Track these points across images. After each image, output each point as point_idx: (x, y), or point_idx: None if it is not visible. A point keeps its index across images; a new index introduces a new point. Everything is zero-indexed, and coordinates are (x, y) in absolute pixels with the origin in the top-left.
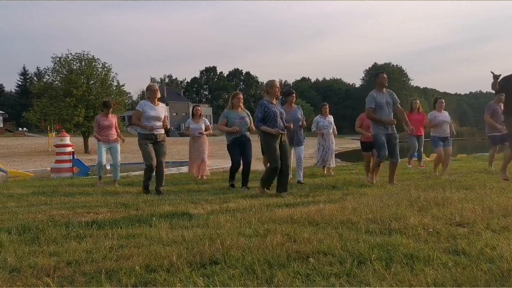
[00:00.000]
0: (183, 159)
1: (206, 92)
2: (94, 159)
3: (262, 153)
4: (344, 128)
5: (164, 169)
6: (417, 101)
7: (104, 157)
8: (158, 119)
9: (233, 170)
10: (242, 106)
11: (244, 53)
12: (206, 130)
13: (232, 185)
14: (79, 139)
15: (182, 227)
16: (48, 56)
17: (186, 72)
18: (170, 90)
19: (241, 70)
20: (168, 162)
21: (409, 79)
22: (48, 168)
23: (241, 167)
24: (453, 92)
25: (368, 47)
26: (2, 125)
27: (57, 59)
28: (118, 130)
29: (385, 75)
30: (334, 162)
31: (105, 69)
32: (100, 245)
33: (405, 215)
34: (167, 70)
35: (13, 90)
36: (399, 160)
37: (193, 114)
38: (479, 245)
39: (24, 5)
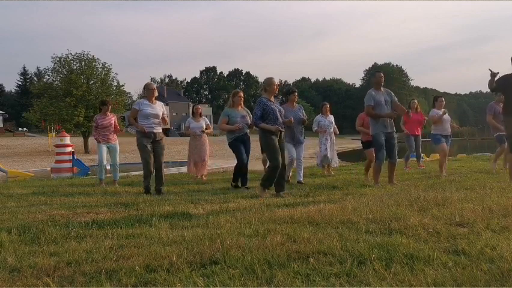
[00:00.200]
0: (183, 159)
1: (206, 92)
2: (94, 159)
3: (262, 153)
4: (344, 128)
5: (164, 169)
6: (415, 101)
7: (105, 157)
8: (156, 116)
9: (239, 170)
10: (242, 105)
11: (244, 53)
12: (206, 129)
13: (237, 186)
14: (79, 139)
15: (182, 227)
16: (48, 56)
17: (186, 72)
18: (170, 90)
19: (241, 70)
20: (168, 162)
21: (409, 79)
22: (48, 168)
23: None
24: (453, 92)
25: (368, 47)
26: (2, 125)
27: (57, 59)
28: (118, 129)
29: (381, 74)
30: (337, 161)
31: (105, 69)
32: (100, 245)
33: (405, 215)
34: (167, 70)
35: (13, 90)
36: (397, 160)
37: (193, 113)
38: (479, 245)
39: (24, 5)
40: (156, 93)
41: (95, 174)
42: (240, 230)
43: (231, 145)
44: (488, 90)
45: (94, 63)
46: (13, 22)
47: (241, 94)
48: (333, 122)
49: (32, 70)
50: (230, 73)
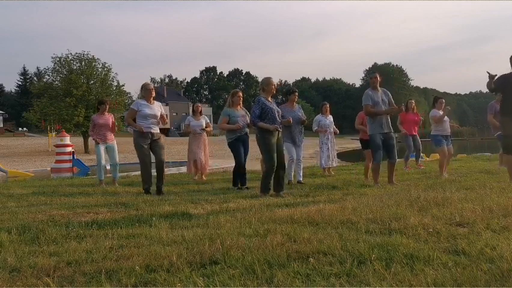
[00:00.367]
0: (183, 159)
1: (206, 92)
2: (94, 159)
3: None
4: (344, 128)
5: (165, 169)
6: (413, 101)
7: (104, 157)
8: (154, 117)
9: (237, 172)
10: (241, 104)
11: (244, 53)
12: (206, 127)
13: (239, 188)
14: (79, 139)
15: (182, 227)
16: (48, 56)
17: (186, 72)
18: (170, 90)
19: (241, 70)
20: (168, 162)
21: (409, 79)
22: (48, 168)
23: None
24: (453, 92)
25: (368, 47)
26: (2, 125)
27: (57, 59)
28: (114, 129)
29: (377, 76)
30: (336, 161)
31: (105, 69)
32: (100, 245)
33: (405, 215)
34: (167, 70)
35: (13, 90)
36: (396, 160)
37: (193, 112)
38: (479, 245)
39: (24, 5)
40: (154, 94)
41: (95, 174)
42: (240, 230)
43: (230, 145)
44: (488, 91)
45: (94, 63)
46: (13, 22)
47: (240, 94)
48: (333, 122)
49: (32, 70)
50: (230, 73)
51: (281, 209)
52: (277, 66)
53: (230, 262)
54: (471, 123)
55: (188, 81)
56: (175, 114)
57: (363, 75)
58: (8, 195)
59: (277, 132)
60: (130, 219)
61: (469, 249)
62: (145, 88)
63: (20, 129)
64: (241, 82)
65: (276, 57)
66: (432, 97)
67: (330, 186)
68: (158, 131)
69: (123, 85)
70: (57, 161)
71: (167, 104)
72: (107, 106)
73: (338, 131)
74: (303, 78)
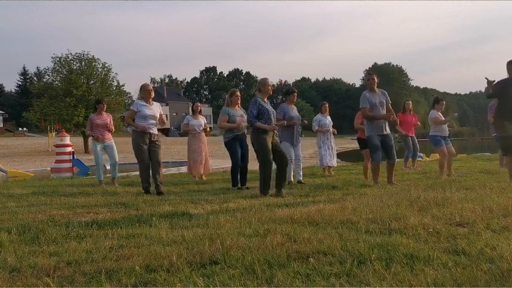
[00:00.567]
0: (183, 159)
1: (206, 92)
2: (94, 159)
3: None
4: (344, 128)
5: (164, 169)
6: (410, 102)
7: (101, 157)
8: (153, 117)
9: (235, 172)
10: (239, 104)
11: (244, 53)
12: (204, 127)
13: (239, 189)
14: (79, 139)
15: (182, 227)
16: (48, 56)
17: (186, 72)
18: (170, 90)
19: (241, 70)
20: (168, 162)
21: (409, 79)
22: (48, 168)
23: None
24: (453, 92)
25: (368, 47)
26: (2, 125)
27: (57, 59)
28: (112, 129)
29: (374, 77)
30: (335, 161)
31: (105, 69)
32: (100, 245)
33: (405, 215)
34: (167, 70)
35: (13, 90)
36: (396, 160)
37: (193, 111)
38: (479, 245)
39: (24, 5)
40: (153, 94)
41: (95, 174)
42: (240, 230)
43: (227, 144)
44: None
45: (94, 63)
46: (13, 22)
47: (238, 93)
48: (331, 122)
49: (32, 70)
50: (230, 73)
51: (281, 209)
52: (277, 66)
53: (230, 262)
54: (471, 123)
55: (188, 81)
56: (175, 114)
57: (363, 75)
58: (8, 195)
59: (273, 132)
60: (130, 219)
61: (469, 249)
62: (144, 89)
63: (20, 129)
64: (241, 82)
65: (276, 57)
66: (433, 97)
67: (330, 186)
68: (157, 132)
69: (123, 85)
70: (57, 161)
71: (167, 104)
72: (105, 105)
73: (336, 132)
74: (303, 78)
